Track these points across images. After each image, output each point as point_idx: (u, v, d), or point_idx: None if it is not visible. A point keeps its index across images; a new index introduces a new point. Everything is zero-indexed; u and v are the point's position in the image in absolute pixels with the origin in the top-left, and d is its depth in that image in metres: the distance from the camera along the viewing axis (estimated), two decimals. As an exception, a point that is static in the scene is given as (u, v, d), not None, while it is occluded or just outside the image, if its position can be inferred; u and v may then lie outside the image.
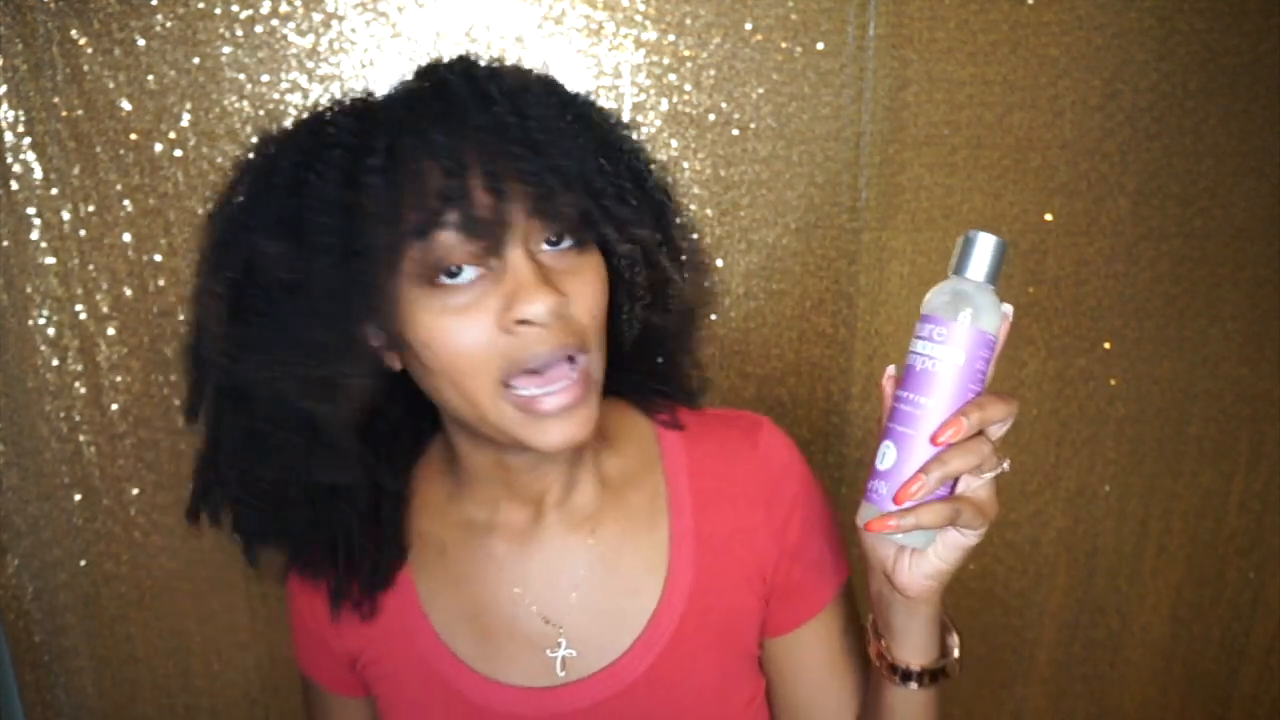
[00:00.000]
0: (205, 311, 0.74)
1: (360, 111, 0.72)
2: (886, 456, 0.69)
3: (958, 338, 0.66)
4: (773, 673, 0.90)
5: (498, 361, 0.69)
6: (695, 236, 0.90)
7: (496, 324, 0.69)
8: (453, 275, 0.69)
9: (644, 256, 0.78)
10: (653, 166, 0.82)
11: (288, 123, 0.77)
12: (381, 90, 0.76)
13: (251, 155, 0.76)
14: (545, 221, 0.70)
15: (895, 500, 0.67)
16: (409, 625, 0.87)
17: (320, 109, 0.75)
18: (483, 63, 0.75)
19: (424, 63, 0.77)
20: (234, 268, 0.71)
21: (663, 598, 0.84)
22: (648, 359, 0.88)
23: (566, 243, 0.72)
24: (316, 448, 0.76)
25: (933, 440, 0.67)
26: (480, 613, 0.86)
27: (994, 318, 0.68)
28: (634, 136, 0.81)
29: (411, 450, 0.91)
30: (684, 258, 0.83)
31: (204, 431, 0.79)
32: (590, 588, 0.85)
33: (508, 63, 0.77)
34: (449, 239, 0.67)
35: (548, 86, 0.75)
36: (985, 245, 0.68)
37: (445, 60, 0.76)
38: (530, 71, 0.76)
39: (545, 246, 0.71)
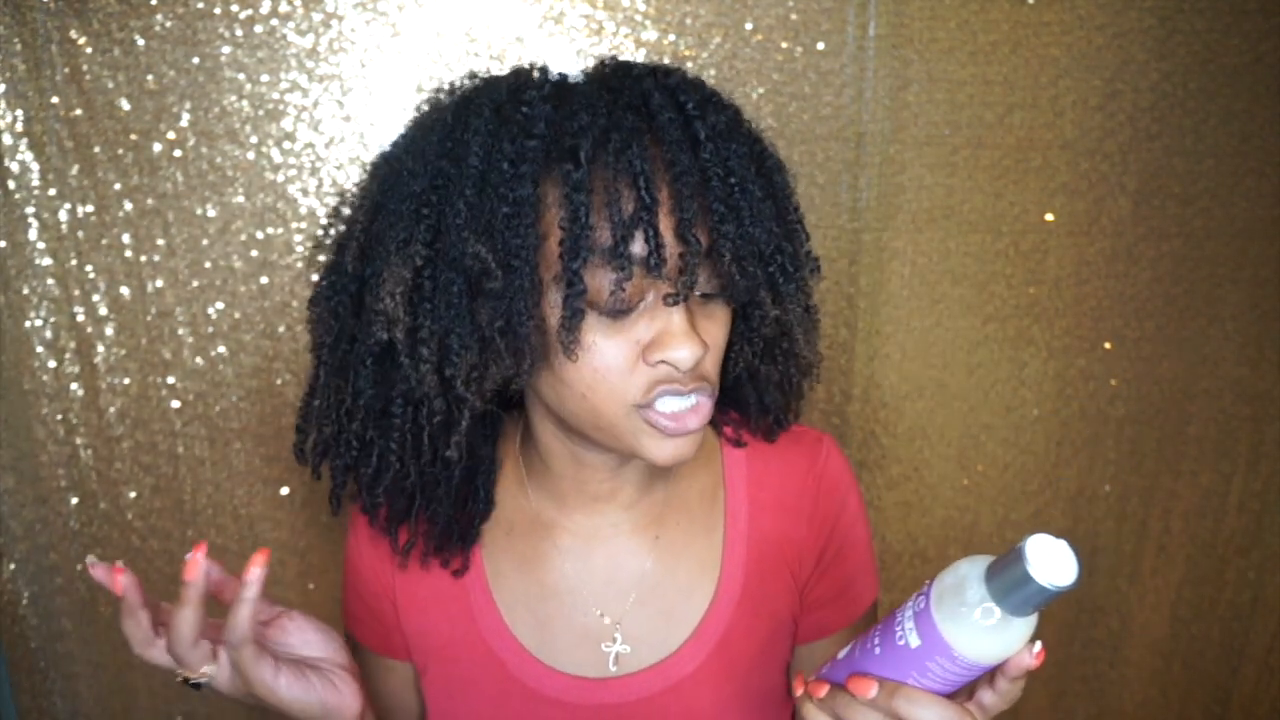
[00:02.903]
0: (382, 285, 0.72)
1: (556, 102, 0.70)
2: (845, 650, 0.69)
3: (925, 631, 0.60)
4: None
5: (637, 388, 0.71)
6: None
7: (641, 355, 0.70)
8: (624, 311, 0.69)
9: (778, 320, 0.78)
10: (803, 222, 0.80)
11: (461, 83, 0.76)
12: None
13: (427, 117, 0.75)
14: (718, 283, 0.71)
15: (811, 685, 0.69)
16: (474, 602, 0.87)
17: (508, 83, 0.73)
18: (682, 81, 0.73)
19: (610, 57, 0.76)
20: (420, 252, 0.70)
21: (714, 600, 0.86)
22: (738, 387, 0.90)
23: (721, 294, 0.73)
24: (433, 424, 0.77)
25: (844, 682, 0.65)
26: (541, 599, 0.87)
27: (987, 646, 0.58)
28: (790, 182, 0.78)
29: (497, 421, 0.91)
30: (811, 323, 0.83)
31: (317, 383, 0.79)
32: (649, 587, 0.87)
33: (698, 81, 0.75)
34: (626, 267, 0.66)
35: (738, 124, 0.74)
36: (1024, 581, 0.55)
37: (635, 65, 0.74)
38: (724, 103, 0.75)
39: (699, 294, 0.72)
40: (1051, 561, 0.55)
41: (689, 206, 0.66)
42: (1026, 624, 0.58)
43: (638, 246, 0.66)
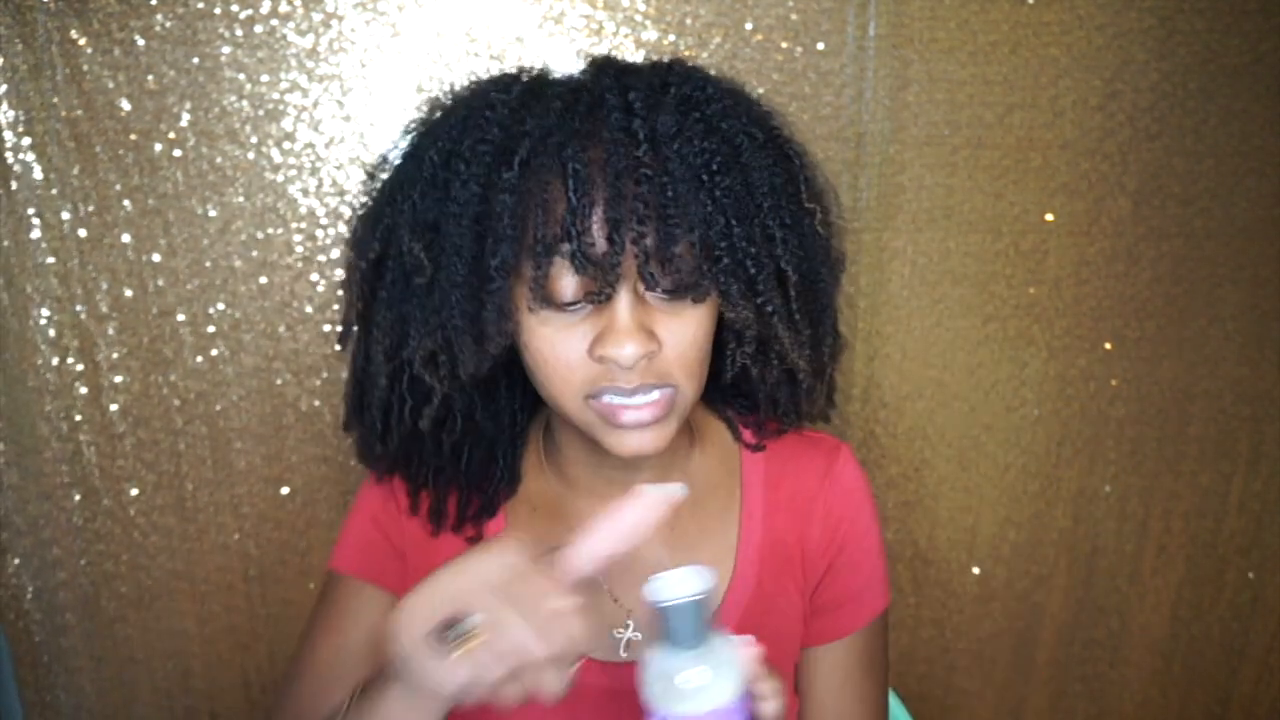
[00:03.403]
0: (349, 275, 0.78)
1: (515, 106, 0.71)
2: None
3: None
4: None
5: (583, 381, 0.72)
6: (832, 309, 0.85)
7: (588, 350, 0.71)
8: (565, 306, 0.70)
9: (757, 318, 0.76)
10: (800, 226, 0.77)
11: (456, 88, 0.78)
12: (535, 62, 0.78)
13: (419, 120, 0.78)
14: (656, 278, 0.70)
15: None
16: None
17: (486, 87, 0.75)
18: (649, 79, 0.72)
19: (599, 55, 0.77)
20: (375, 248, 0.75)
21: (726, 596, 0.87)
22: (747, 383, 0.89)
23: (680, 294, 0.72)
24: (428, 406, 0.80)
25: None
26: None
27: (732, 679, 0.57)
28: (803, 179, 0.77)
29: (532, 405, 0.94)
30: (801, 327, 0.79)
31: (350, 363, 0.84)
32: None
33: (688, 74, 0.74)
34: (561, 267, 0.69)
35: (712, 121, 0.72)
36: (682, 616, 0.56)
37: (613, 64, 0.75)
38: (709, 94, 0.73)
39: (661, 291, 0.71)
40: (675, 584, 0.57)
41: (618, 208, 0.67)
42: (722, 638, 0.59)
43: (565, 245, 0.67)
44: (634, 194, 0.68)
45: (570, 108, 0.70)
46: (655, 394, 0.73)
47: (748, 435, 0.93)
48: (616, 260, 0.67)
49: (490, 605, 0.56)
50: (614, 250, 0.67)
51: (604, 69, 0.75)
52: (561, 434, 0.87)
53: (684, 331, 0.73)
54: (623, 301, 0.70)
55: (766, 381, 0.85)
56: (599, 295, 0.69)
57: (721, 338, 0.80)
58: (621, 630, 0.87)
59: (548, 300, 0.70)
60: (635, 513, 0.60)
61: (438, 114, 0.77)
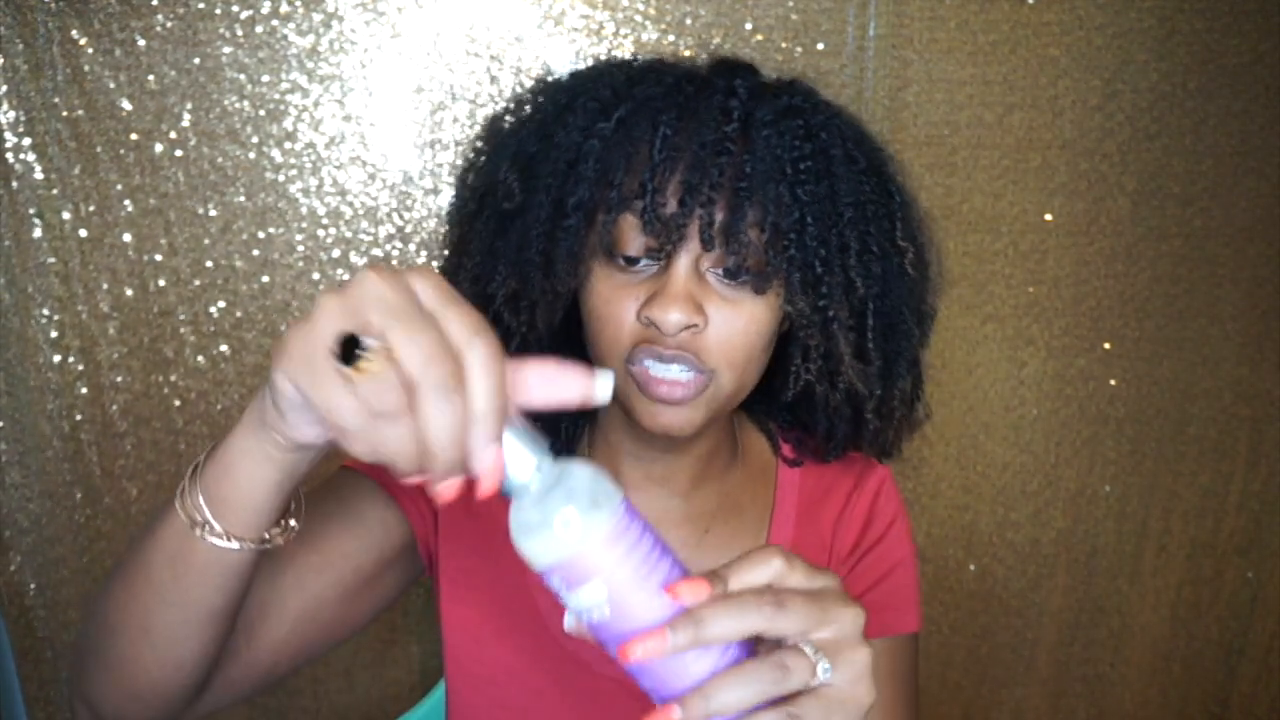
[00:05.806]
0: (452, 207, 0.82)
1: (632, 75, 0.75)
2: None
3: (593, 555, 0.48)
4: None
5: (628, 343, 0.73)
6: (911, 352, 0.82)
7: (636, 310, 0.72)
8: (629, 261, 0.72)
9: (821, 325, 0.75)
10: (886, 257, 0.76)
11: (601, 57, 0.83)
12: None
13: (555, 77, 0.81)
14: (716, 253, 0.71)
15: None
16: None
17: (613, 63, 0.79)
18: (764, 81, 0.76)
19: (727, 55, 0.79)
20: (480, 184, 0.78)
21: None
22: (808, 405, 0.87)
23: (742, 278, 0.72)
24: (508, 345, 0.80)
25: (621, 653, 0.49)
26: None
27: (603, 499, 0.49)
28: (899, 219, 0.76)
29: None
30: (872, 357, 0.77)
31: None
32: None
33: (807, 93, 0.76)
34: (631, 223, 0.71)
35: (818, 128, 0.73)
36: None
37: (736, 63, 0.78)
38: (819, 113, 0.74)
39: (722, 272, 0.73)
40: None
41: (695, 174, 0.69)
42: (559, 465, 0.51)
43: (638, 202, 0.70)
44: (713, 164, 0.70)
45: (679, 85, 0.74)
46: (689, 374, 0.73)
47: (786, 450, 0.93)
48: (683, 223, 0.69)
49: (403, 323, 0.45)
50: (682, 212, 0.69)
51: (724, 63, 0.78)
52: (608, 420, 0.88)
53: (735, 320, 0.73)
54: (680, 267, 0.71)
55: (829, 405, 0.83)
56: (659, 252, 0.70)
57: (788, 351, 0.79)
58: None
59: (612, 251, 0.72)
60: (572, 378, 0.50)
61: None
